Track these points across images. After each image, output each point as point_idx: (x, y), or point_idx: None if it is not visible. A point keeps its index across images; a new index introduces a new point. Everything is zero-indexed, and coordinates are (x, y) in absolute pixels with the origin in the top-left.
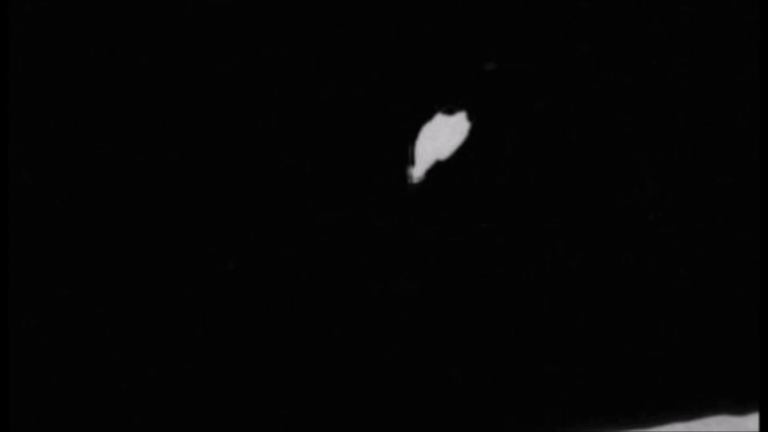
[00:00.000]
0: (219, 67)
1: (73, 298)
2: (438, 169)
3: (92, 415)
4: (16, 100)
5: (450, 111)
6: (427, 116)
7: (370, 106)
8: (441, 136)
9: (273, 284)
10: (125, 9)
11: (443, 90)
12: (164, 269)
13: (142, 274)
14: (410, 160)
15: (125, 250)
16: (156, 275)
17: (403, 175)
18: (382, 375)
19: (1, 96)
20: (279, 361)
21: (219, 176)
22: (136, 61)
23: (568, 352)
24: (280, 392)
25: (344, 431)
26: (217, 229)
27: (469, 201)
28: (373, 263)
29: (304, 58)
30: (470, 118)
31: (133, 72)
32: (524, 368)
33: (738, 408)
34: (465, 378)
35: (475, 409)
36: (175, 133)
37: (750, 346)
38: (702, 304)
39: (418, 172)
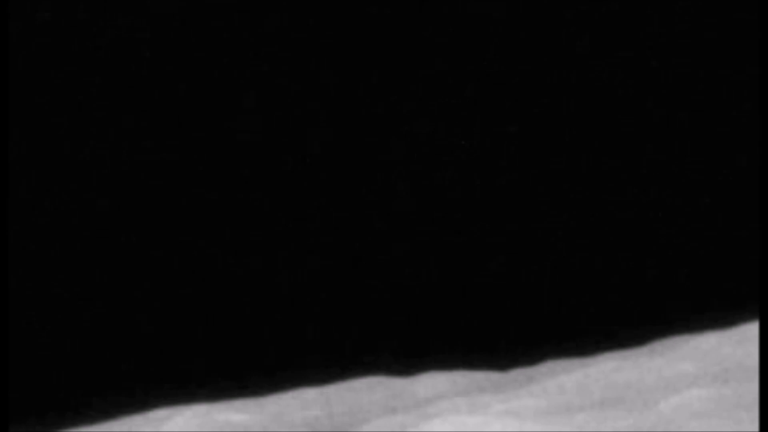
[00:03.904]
0: (219, 67)
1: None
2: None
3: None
4: (16, 100)
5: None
6: (427, 116)
7: (370, 105)
8: None
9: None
10: (125, 9)
11: (443, 90)
12: (164, 268)
13: (142, 273)
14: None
15: (125, 249)
16: (155, 274)
17: (403, 175)
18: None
19: (1, 96)
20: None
21: (219, 176)
22: (135, 61)
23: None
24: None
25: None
26: (216, 227)
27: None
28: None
29: (304, 57)
30: (470, 117)
31: (133, 72)
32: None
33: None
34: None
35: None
36: (175, 133)
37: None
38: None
39: None
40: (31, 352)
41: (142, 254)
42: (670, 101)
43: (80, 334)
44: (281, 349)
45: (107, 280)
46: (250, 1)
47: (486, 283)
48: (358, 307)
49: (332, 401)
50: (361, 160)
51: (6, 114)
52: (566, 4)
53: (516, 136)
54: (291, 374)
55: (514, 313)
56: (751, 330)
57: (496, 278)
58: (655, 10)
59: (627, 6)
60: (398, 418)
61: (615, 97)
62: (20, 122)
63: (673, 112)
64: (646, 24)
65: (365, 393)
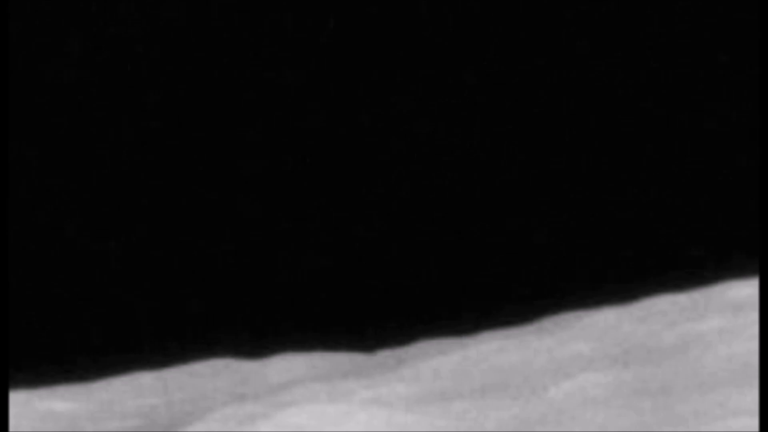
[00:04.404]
0: (219, 67)
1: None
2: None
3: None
4: (16, 100)
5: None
6: (427, 117)
7: (369, 106)
8: None
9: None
10: (126, 10)
11: (443, 90)
12: (164, 268)
13: (143, 273)
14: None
15: (124, 250)
16: (156, 274)
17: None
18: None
19: (1, 96)
20: None
21: (218, 176)
22: (135, 60)
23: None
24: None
25: None
26: (216, 226)
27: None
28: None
29: (304, 57)
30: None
31: (134, 72)
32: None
33: None
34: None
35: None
36: (175, 133)
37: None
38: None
39: None
40: None
41: None
42: (670, 101)
43: None
44: (110, 327)
45: None
46: (250, 1)
47: (346, 252)
48: (198, 277)
49: (170, 387)
50: (359, 160)
51: (6, 114)
52: (566, 4)
53: (511, 135)
54: (123, 357)
55: (380, 287)
56: (655, 305)
57: (357, 247)
58: (655, 10)
59: (627, 6)
60: (247, 407)
61: (615, 97)
62: (20, 122)
63: (673, 112)
64: (646, 24)
65: (209, 378)
